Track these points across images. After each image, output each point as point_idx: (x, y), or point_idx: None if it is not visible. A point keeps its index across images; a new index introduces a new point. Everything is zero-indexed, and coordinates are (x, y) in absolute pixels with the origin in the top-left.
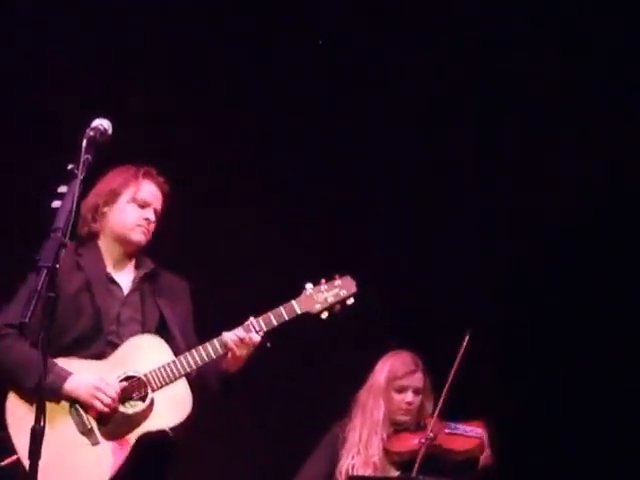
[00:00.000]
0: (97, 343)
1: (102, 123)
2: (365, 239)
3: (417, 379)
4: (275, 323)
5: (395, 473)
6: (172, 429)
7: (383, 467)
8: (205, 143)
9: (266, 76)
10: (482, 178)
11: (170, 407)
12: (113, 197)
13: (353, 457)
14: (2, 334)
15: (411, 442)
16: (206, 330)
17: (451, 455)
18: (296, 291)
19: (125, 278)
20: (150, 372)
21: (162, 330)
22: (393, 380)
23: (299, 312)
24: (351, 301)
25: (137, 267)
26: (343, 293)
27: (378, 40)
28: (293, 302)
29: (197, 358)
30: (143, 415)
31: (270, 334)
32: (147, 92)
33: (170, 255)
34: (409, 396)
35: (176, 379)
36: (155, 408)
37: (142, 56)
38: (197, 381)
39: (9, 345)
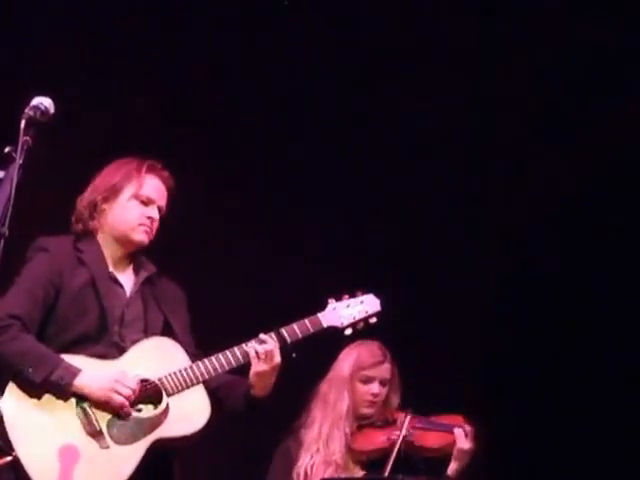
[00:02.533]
0: (101, 343)
1: (42, 101)
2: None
3: (384, 370)
4: (300, 335)
5: (360, 473)
6: (187, 437)
7: (346, 466)
8: (218, 148)
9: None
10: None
11: (186, 414)
12: (114, 193)
13: (312, 456)
14: (5, 324)
15: (378, 439)
16: (219, 344)
17: (424, 452)
18: (309, 306)
19: (126, 279)
20: (165, 376)
21: (167, 335)
22: (358, 370)
23: (324, 326)
24: (374, 320)
25: (137, 268)
26: (368, 311)
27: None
28: (319, 315)
29: (217, 365)
30: (158, 420)
31: (294, 347)
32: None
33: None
34: (375, 387)
35: (193, 385)
36: (171, 414)
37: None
38: (215, 392)
39: (14, 336)
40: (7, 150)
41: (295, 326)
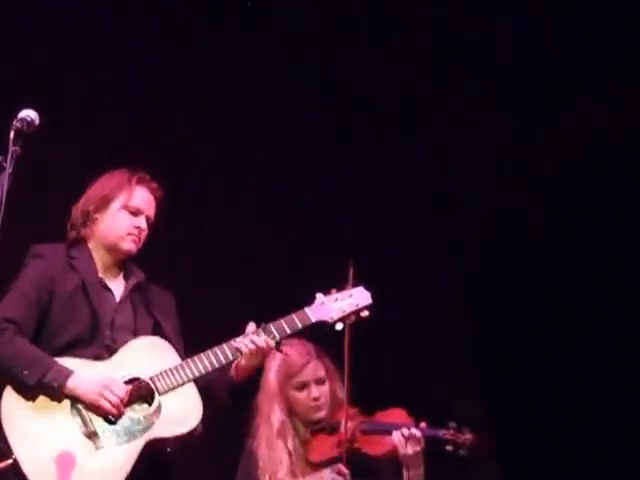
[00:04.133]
0: (93, 345)
1: (29, 114)
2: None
3: (315, 369)
4: (288, 331)
5: None
6: (181, 437)
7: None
8: (207, 148)
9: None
10: None
11: (179, 414)
12: (104, 203)
13: (270, 478)
14: (1, 328)
15: (328, 450)
16: (209, 339)
17: (372, 459)
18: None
19: (116, 285)
20: (156, 375)
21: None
22: (288, 379)
23: (313, 320)
24: (365, 313)
25: (127, 276)
26: (358, 304)
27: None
28: (306, 309)
29: (207, 363)
30: (149, 420)
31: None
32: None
33: (170, 264)
34: (313, 391)
35: (184, 383)
36: (163, 413)
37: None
38: (204, 390)
39: (8, 339)
40: None
41: (283, 321)
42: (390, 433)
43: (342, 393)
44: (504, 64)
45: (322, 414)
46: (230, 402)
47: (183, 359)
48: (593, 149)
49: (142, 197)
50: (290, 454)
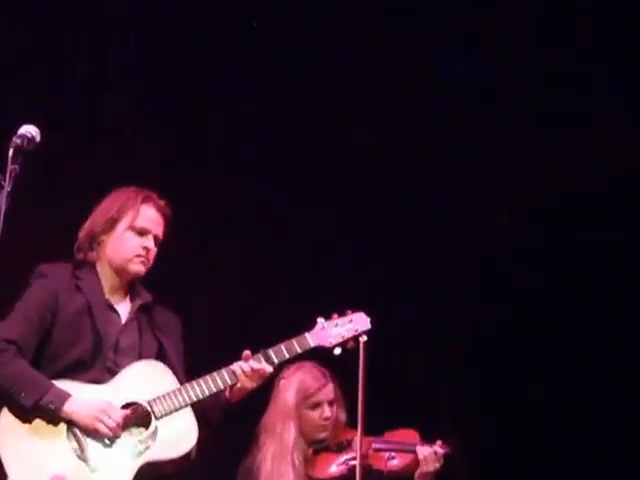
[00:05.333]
0: (95, 368)
1: (29, 130)
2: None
3: (329, 391)
4: (287, 355)
5: None
6: (174, 461)
7: None
8: (206, 175)
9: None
10: None
11: (174, 438)
12: (110, 225)
13: None
14: (1, 349)
15: (336, 467)
16: (212, 363)
17: (383, 475)
18: (302, 326)
19: (122, 306)
20: (154, 399)
21: (161, 361)
22: (305, 399)
23: (312, 345)
24: (364, 338)
25: (134, 297)
26: (357, 329)
27: None
28: (306, 334)
29: (204, 388)
30: (146, 444)
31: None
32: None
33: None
34: (326, 411)
35: (181, 408)
36: (159, 437)
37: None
38: (199, 411)
39: (7, 361)
40: None
41: (282, 346)
42: (408, 451)
43: (344, 419)
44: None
45: (326, 434)
46: (223, 423)
47: (183, 382)
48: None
49: (149, 216)
50: (295, 470)
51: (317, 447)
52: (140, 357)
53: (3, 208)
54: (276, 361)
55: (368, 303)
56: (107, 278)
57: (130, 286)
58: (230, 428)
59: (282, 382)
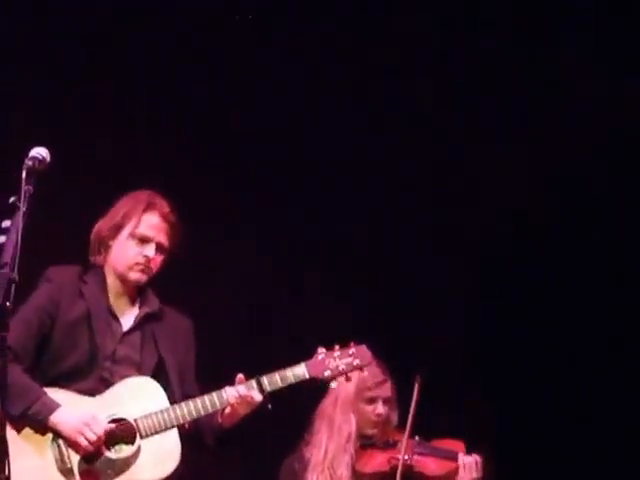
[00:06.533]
0: (91, 377)
1: (40, 152)
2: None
3: (387, 389)
4: (280, 384)
5: None
6: None
7: None
8: (215, 189)
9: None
10: None
11: (156, 459)
12: (116, 231)
13: (317, 477)
14: None
15: (379, 463)
16: (214, 383)
17: (426, 478)
18: (306, 353)
19: (127, 314)
20: (141, 418)
21: (159, 375)
22: (363, 391)
23: (307, 377)
24: (365, 373)
25: (142, 304)
26: (356, 363)
27: None
28: (303, 365)
29: (192, 410)
30: (127, 462)
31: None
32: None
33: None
34: (379, 407)
35: (167, 429)
36: (141, 457)
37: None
38: (193, 433)
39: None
40: (11, 200)
41: (277, 374)
42: (451, 458)
43: (395, 421)
44: None
45: (375, 431)
46: (215, 446)
47: (178, 400)
48: None
49: (151, 224)
50: (353, 460)
51: (365, 442)
52: (139, 369)
53: (20, 227)
54: (269, 389)
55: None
56: (112, 283)
57: (139, 292)
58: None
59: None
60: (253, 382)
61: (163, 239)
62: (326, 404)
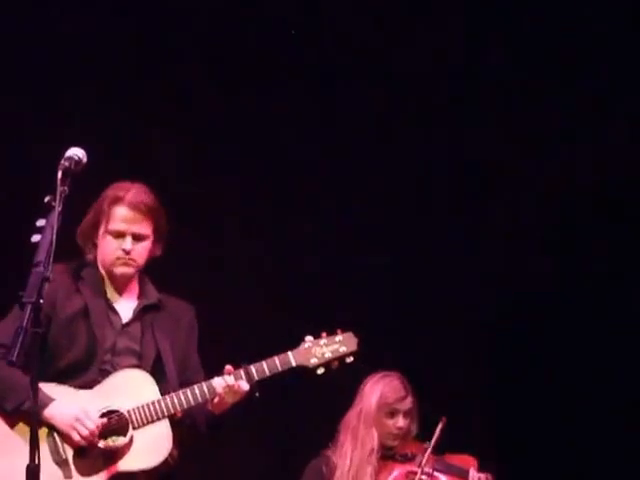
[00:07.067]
0: (90, 372)
1: (76, 153)
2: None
3: (408, 403)
4: (268, 373)
5: None
6: (146, 471)
7: None
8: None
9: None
10: None
11: (149, 448)
12: (94, 228)
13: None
14: None
15: (397, 476)
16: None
17: None
18: (294, 342)
19: (126, 306)
20: (133, 409)
21: (159, 364)
22: (385, 405)
23: (294, 364)
24: (350, 359)
25: (141, 296)
26: (343, 350)
27: None
28: (289, 353)
29: (183, 400)
30: (120, 452)
31: (261, 384)
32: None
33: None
34: (400, 421)
35: (159, 419)
36: (134, 447)
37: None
38: (187, 420)
39: None
40: (47, 200)
41: (264, 363)
42: (460, 476)
43: (414, 432)
44: None
45: (396, 443)
46: (208, 433)
47: (175, 389)
48: None
49: (121, 217)
50: (375, 471)
51: (386, 454)
52: (140, 359)
53: (55, 227)
54: (256, 378)
55: None
56: (107, 278)
57: (139, 282)
58: None
59: (367, 387)
60: (241, 371)
61: (137, 229)
62: (350, 416)
